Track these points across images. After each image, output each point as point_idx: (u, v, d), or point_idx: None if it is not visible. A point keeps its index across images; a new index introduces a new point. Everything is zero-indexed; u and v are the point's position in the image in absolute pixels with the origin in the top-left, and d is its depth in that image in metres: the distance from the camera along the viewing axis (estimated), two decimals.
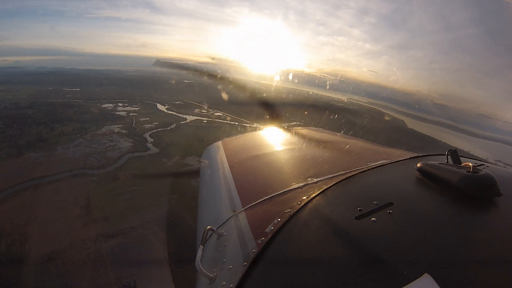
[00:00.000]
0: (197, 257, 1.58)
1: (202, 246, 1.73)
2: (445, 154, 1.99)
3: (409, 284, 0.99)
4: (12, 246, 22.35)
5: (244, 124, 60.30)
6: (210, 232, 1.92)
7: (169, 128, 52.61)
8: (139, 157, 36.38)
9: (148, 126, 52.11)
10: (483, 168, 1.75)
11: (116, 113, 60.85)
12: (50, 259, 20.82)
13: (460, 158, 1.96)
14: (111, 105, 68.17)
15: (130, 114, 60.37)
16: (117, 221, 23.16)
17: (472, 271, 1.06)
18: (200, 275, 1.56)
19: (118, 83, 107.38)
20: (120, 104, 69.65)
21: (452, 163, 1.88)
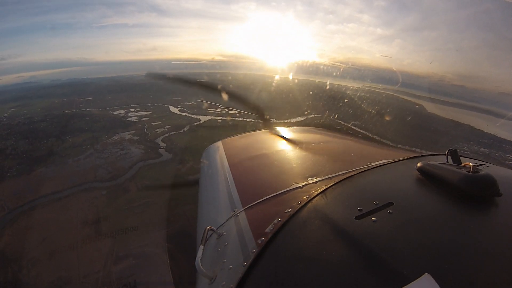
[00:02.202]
0: (197, 257, 1.60)
1: (202, 246, 1.75)
2: (445, 154, 2.00)
3: (409, 284, 1.00)
4: (18, 273, 20.51)
5: (260, 120, 57.48)
6: (210, 232, 1.94)
7: (182, 130, 50.36)
8: (151, 165, 34.20)
9: (160, 130, 50.01)
10: (483, 168, 1.83)
11: (128, 119, 59.10)
12: (57, 286, 18.82)
13: (460, 158, 1.97)
14: (122, 111, 66.54)
15: (142, 119, 58.51)
16: (127, 239, 20.85)
17: (472, 271, 1.08)
18: (200, 275, 1.59)
19: (130, 89, 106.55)
20: (132, 110, 67.96)
21: (452, 163, 1.89)
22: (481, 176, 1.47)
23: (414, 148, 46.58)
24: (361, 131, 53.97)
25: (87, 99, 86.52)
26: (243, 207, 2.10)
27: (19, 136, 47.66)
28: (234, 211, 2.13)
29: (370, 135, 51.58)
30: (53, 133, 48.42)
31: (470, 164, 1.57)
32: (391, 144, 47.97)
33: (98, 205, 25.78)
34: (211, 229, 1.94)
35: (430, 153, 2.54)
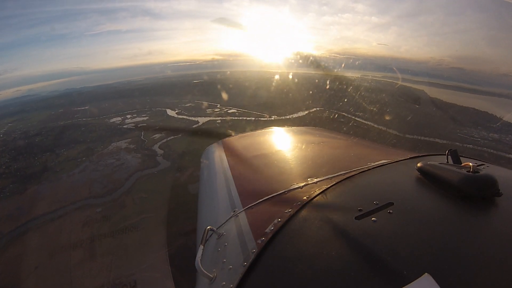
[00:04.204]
0: (197, 257, 1.60)
1: (202, 246, 1.74)
2: (445, 154, 2.00)
3: (409, 284, 1.02)
4: None
5: (260, 118, 55.80)
6: (210, 232, 1.93)
7: (180, 135, 48.27)
8: (149, 175, 32.24)
9: (157, 136, 47.78)
10: (483, 168, 1.85)
11: (124, 126, 57.30)
12: None
13: (460, 158, 1.96)
14: (119, 118, 65.01)
15: (139, 126, 56.75)
16: (124, 263, 18.99)
17: (472, 271, 1.09)
18: (200, 275, 1.58)
19: (127, 94, 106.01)
20: (129, 116, 66.30)
21: (452, 163, 1.89)
22: (481, 176, 1.47)
23: (421, 137, 44.82)
24: (365, 121, 52.28)
25: (83, 108, 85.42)
26: (243, 207, 2.08)
27: (14, 152, 46.37)
28: (234, 211, 2.10)
29: (374, 125, 49.84)
30: (48, 147, 46.99)
31: (470, 164, 1.57)
32: (397, 133, 46.32)
33: (92, 225, 24.01)
34: (211, 229, 1.92)
35: (430, 153, 2.50)
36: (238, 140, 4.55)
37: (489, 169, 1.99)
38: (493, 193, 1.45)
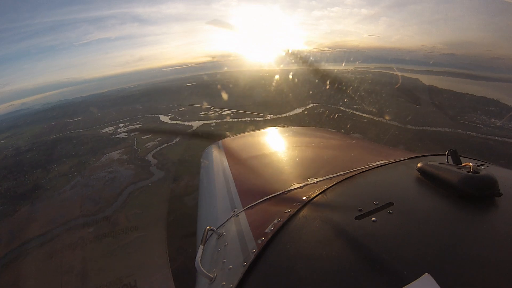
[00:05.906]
0: (197, 257, 1.60)
1: (202, 246, 1.75)
2: (445, 154, 1.99)
3: (409, 284, 1.02)
4: None
5: (256, 118, 54.57)
6: (210, 232, 1.94)
7: (174, 142, 46.88)
8: (142, 188, 30.92)
9: (151, 144, 46.59)
10: (483, 168, 1.78)
11: (117, 136, 55.98)
12: None
13: (461, 158, 1.95)
14: (111, 128, 63.65)
15: (132, 134, 55.39)
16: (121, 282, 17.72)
17: (473, 271, 1.09)
18: (200, 275, 1.60)
19: (119, 102, 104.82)
20: (121, 125, 64.99)
21: (452, 163, 1.88)
22: (481, 176, 1.46)
23: (423, 127, 43.67)
24: (364, 114, 51.39)
25: (76, 119, 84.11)
26: (243, 207, 2.08)
27: (5, 171, 45.00)
28: (234, 211, 2.10)
29: (374, 117, 48.91)
30: (39, 163, 45.60)
31: (470, 164, 1.57)
32: (397, 124, 45.22)
33: (84, 247, 22.72)
34: (211, 229, 1.92)
35: (430, 153, 2.48)
36: (238, 140, 4.58)
37: (489, 169, 1.96)
38: (493, 193, 1.44)
